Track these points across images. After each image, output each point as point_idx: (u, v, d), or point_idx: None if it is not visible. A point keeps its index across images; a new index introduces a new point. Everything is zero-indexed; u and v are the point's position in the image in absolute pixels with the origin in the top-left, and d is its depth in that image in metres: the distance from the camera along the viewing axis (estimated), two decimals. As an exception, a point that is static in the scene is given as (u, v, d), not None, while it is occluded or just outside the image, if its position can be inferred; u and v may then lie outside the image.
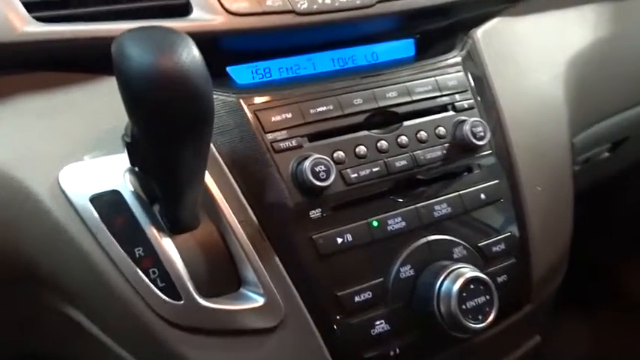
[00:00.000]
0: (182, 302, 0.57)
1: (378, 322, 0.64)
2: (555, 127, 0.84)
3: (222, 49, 0.68)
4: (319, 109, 0.66)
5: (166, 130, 0.50)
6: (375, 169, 0.66)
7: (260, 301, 0.60)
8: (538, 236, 0.75)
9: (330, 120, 0.67)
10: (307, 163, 0.62)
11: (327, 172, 0.62)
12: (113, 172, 0.59)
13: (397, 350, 0.64)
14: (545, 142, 0.81)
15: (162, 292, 0.57)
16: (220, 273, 0.61)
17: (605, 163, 1.14)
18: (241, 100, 0.64)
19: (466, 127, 0.70)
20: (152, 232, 0.58)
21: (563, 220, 0.81)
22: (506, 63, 0.81)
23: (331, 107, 0.67)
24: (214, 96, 0.60)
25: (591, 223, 1.30)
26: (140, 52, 0.46)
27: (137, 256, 0.57)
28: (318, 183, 0.62)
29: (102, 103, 0.61)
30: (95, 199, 0.58)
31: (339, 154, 0.65)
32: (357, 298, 0.63)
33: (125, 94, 0.48)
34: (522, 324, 0.74)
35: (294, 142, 0.64)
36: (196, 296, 0.58)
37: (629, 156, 1.15)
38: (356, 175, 0.65)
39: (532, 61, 0.85)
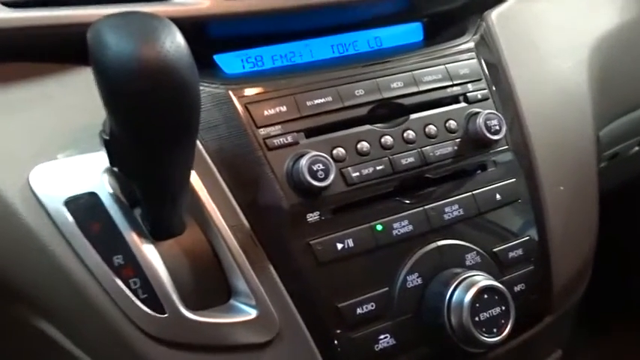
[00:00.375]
0: (166, 315, 0.58)
1: (382, 337, 0.65)
2: (579, 120, 0.84)
3: (208, 35, 0.69)
4: (317, 102, 0.67)
5: (148, 126, 0.50)
6: (378, 168, 0.67)
7: (252, 313, 0.61)
8: (559, 240, 0.76)
9: (329, 113, 0.67)
10: (304, 162, 0.63)
11: (326, 171, 0.63)
12: (90, 173, 0.60)
13: (403, 367, 0.65)
14: (568, 136, 0.82)
15: (144, 305, 0.58)
16: (208, 283, 0.62)
17: (635, 159, 1.14)
18: (230, 92, 0.65)
19: (480, 120, 0.71)
20: (133, 238, 0.59)
21: (588, 222, 0.82)
22: (525, 48, 0.82)
23: (330, 99, 0.68)
24: (201, 87, 0.61)
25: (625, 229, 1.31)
26: (119, 40, 0.47)
27: (116, 264, 0.58)
28: (316, 183, 0.63)
29: (77, 96, 0.61)
30: (70, 203, 0.58)
31: (339, 151, 0.66)
32: (359, 310, 0.64)
33: (102, 87, 0.49)
34: (542, 337, 0.75)
35: (289, 139, 0.65)
36: (182, 309, 0.59)
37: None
38: (358, 174, 0.66)
39: (553, 46, 0.85)
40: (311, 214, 0.64)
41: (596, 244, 0.82)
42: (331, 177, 0.63)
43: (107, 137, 0.54)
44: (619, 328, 1.43)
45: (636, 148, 1.13)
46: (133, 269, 0.58)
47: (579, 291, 0.81)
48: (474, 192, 0.71)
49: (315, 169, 0.63)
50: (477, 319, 0.64)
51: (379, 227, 0.66)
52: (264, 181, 0.64)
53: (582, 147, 0.84)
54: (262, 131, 0.65)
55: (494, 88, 0.76)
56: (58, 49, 0.62)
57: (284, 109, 0.66)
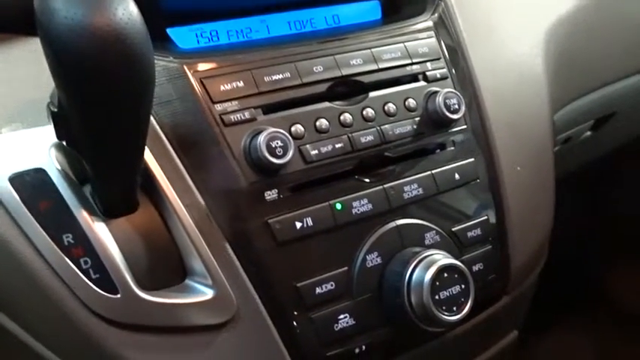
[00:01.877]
0: (119, 296, 0.56)
1: (341, 317, 0.64)
2: (535, 102, 0.85)
3: (161, 8, 0.67)
4: (275, 77, 0.66)
5: (99, 98, 0.49)
6: (337, 145, 0.66)
7: (208, 293, 0.60)
8: (517, 221, 0.77)
9: (286, 90, 0.66)
10: (262, 138, 0.61)
11: (285, 149, 0.62)
12: (36, 148, 0.58)
13: (363, 347, 0.65)
14: (525, 117, 0.83)
15: (95, 285, 0.56)
16: (163, 263, 0.60)
17: (588, 144, 1.17)
18: (185, 66, 0.63)
19: (439, 99, 0.71)
20: (83, 216, 0.57)
21: (544, 204, 0.83)
22: (483, 30, 0.82)
23: (288, 75, 0.66)
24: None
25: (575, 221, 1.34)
26: (68, 6, 0.45)
27: (66, 243, 0.56)
28: (274, 160, 0.61)
29: (23, 68, 0.59)
30: (15, 179, 0.56)
31: (298, 128, 0.65)
32: (318, 290, 0.63)
33: (51, 56, 0.47)
34: (499, 318, 0.76)
35: (246, 115, 0.64)
36: (135, 289, 0.57)
37: (614, 135, 1.18)
38: (316, 151, 0.65)
39: (510, 29, 0.86)
40: (269, 193, 0.63)
41: (552, 225, 0.83)
42: (290, 154, 0.62)
43: (55, 109, 0.53)
44: (575, 314, 1.46)
45: (588, 133, 1.15)
46: (83, 248, 0.56)
47: (535, 272, 0.82)
48: (433, 171, 0.71)
49: (273, 145, 0.62)
50: (436, 297, 0.64)
51: (338, 206, 0.65)
52: (220, 158, 0.62)
53: (539, 129, 0.84)
54: (218, 107, 0.63)
55: (452, 69, 0.76)
56: (3, 19, 0.60)
57: (241, 84, 0.64)
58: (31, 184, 0.57)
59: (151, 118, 0.59)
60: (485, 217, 0.74)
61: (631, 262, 1.50)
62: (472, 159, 0.74)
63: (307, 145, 0.65)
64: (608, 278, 1.50)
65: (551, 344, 1.40)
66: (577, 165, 1.20)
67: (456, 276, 0.65)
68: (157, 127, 0.62)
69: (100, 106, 0.49)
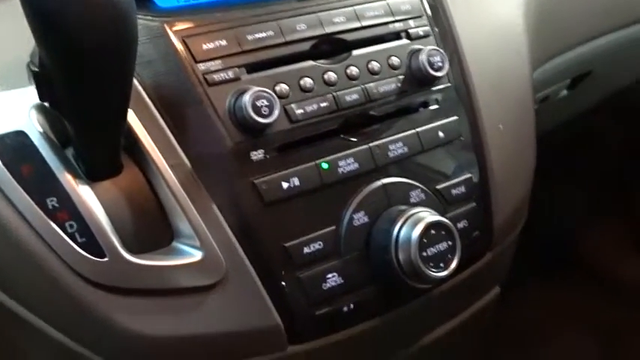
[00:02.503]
0: (106, 259, 0.55)
1: (330, 276, 0.64)
2: (516, 60, 0.85)
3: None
4: (258, 36, 0.64)
5: (82, 56, 0.47)
6: (323, 104, 0.65)
7: (197, 255, 0.59)
8: (499, 179, 0.77)
9: (270, 48, 0.65)
10: (247, 97, 0.60)
11: (270, 108, 0.60)
12: (16, 110, 0.56)
13: (351, 306, 0.65)
14: (506, 76, 0.82)
15: (82, 249, 0.55)
16: (149, 225, 0.59)
17: (565, 103, 1.17)
18: (166, 25, 0.62)
19: (422, 57, 0.70)
20: (67, 179, 0.55)
21: (525, 161, 0.83)
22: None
23: (271, 33, 0.65)
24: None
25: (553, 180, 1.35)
26: None
27: (50, 207, 0.55)
28: (260, 120, 0.60)
29: (1, 26, 0.57)
30: (-5, 143, 0.54)
31: (282, 87, 0.64)
32: (306, 249, 0.63)
33: (30, 13, 0.45)
34: (483, 273, 0.76)
35: (230, 74, 0.62)
36: (123, 252, 0.56)
37: (590, 94, 1.19)
38: (302, 110, 0.64)
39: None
40: (255, 153, 0.62)
41: (532, 183, 0.84)
42: (275, 113, 0.61)
43: (36, 69, 0.51)
44: (553, 273, 1.48)
45: (565, 92, 1.15)
46: (68, 212, 0.55)
47: (517, 229, 0.82)
48: (417, 129, 0.70)
49: (258, 104, 0.60)
50: (424, 254, 0.63)
51: (325, 165, 0.65)
52: (204, 118, 0.61)
53: (520, 87, 0.84)
54: (202, 66, 0.61)
55: (435, 27, 0.75)
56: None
57: (224, 43, 0.63)
58: (12, 148, 0.55)
59: (134, 79, 0.58)
60: (469, 175, 0.74)
61: (607, 223, 1.52)
62: (455, 117, 0.74)
63: (292, 104, 0.64)
64: (585, 238, 1.52)
65: (531, 302, 1.42)
66: (554, 124, 1.21)
67: (443, 233, 0.65)
68: (140, 88, 0.60)
69: (83, 64, 0.48)
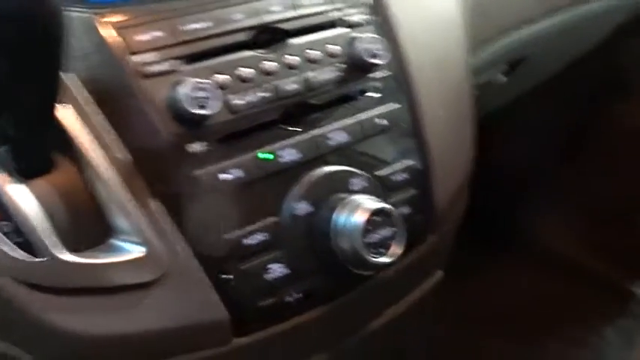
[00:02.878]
0: (41, 259, 0.53)
1: (273, 266, 0.63)
2: (453, 46, 0.85)
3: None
4: (194, 26, 0.62)
5: (6, 47, 0.45)
6: (262, 94, 0.64)
7: (136, 251, 0.57)
8: (439, 164, 0.77)
9: (207, 39, 0.63)
10: (184, 89, 0.58)
11: (209, 99, 0.59)
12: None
13: (296, 295, 0.64)
14: (444, 62, 0.82)
15: (20, 249, 0.53)
16: (87, 222, 0.57)
17: (503, 88, 1.18)
18: (99, 17, 0.59)
19: (361, 45, 0.69)
20: (-2, 178, 0.53)
21: (465, 147, 0.83)
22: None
23: (208, 24, 0.63)
24: (66, 13, 0.55)
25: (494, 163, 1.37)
26: None
27: (-18, 208, 0.52)
28: (198, 112, 0.59)
29: None
30: None
31: (221, 77, 0.62)
32: (248, 241, 0.61)
33: None
34: (426, 258, 0.76)
35: (166, 66, 0.60)
36: (59, 251, 0.54)
37: (526, 79, 1.20)
38: (241, 101, 0.63)
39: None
40: (194, 145, 0.60)
41: (472, 168, 0.84)
42: (215, 105, 0.59)
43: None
44: (497, 254, 1.51)
45: (501, 77, 1.16)
46: (1, 212, 0.53)
47: (458, 212, 0.83)
48: (358, 117, 0.70)
49: (196, 96, 0.59)
50: (367, 241, 0.63)
51: (266, 155, 0.63)
52: (142, 111, 0.59)
53: (457, 73, 0.84)
54: (137, 58, 0.59)
55: (373, 15, 0.74)
56: None
57: (159, 34, 0.61)
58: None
59: (69, 72, 0.56)
60: (410, 162, 0.73)
61: (549, 203, 1.55)
62: (396, 104, 0.73)
63: (231, 95, 0.62)
64: (528, 219, 1.55)
65: (475, 284, 1.44)
66: (495, 109, 1.22)
67: (385, 219, 0.65)
68: (76, 82, 0.58)
69: (6, 56, 0.46)
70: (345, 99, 0.70)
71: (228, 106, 0.62)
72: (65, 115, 0.56)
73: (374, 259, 0.63)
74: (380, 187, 0.70)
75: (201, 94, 0.59)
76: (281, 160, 0.64)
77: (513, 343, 1.32)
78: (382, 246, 0.64)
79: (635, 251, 1.36)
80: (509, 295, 1.45)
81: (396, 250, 0.65)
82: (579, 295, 1.37)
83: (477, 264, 1.47)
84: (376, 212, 0.64)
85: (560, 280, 1.45)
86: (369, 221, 0.63)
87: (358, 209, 0.64)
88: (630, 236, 1.37)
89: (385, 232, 0.64)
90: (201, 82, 0.59)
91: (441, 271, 0.84)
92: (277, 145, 0.64)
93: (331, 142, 0.68)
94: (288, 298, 0.64)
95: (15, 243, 0.53)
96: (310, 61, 0.67)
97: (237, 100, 0.62)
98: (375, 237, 0.64)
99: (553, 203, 1.54)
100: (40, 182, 0.55)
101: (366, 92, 0.72)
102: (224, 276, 0.61)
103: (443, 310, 1.29)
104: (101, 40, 0.59)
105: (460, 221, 0.84)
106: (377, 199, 0.66)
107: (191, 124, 0.60)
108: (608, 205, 1.43)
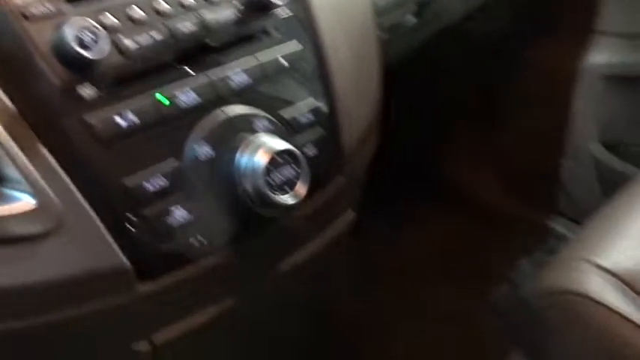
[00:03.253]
0: None
1: (175, 210, 0.61)
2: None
3: None
4: None
5: None
6: (156, 36, 0.61)
7: (27, 200, 0.54)
8: (345, 105, 0.76)
9: None
10: (70, 31, 0.55)
11: (96, 41, 0.56)
12: None
13: (201, 239, 0.62)
14: (347, 2, 0.81)
15: None
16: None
17: (413, 31, 1.18)
18: None
19: None
20: None
21: (371, 88, 0.83)
22: None
23: None
24: None
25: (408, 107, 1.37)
26: None
27: None
28: (86, 54, 0.55)
29: None
30: None
31: (109, 18, 0.59)
32: (148, 186, 0.59)
33: None
34: (335, 198, 0.76)
35: (50, 7, 0.57)
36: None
37: (434, 21, 1.20)
38: (133, 43, 0.60)
39: None
40: (85, 90, 0.57)
41: (379, 109, 0.84)
42: (102, 46, 0.56)
43: None
44: (428, 204, 1.52)
45: (411, 19, 1.15)
46: None
47: (367, 153, 0.83)
48: (258, 58, 0.68)
49: (83, 37, 0.55)
50: (271, 182, 0.62)
51: (162, 99, 0.61)
52: (27, 56, 0.56)
53: (361, 12, 0.83)
54: (17, 0, 0.56)
55: None
56: None
57: (40, -27, 0.57)
58: None
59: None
60: (315, 102, 0.72)
61: (462, 146, 1.57)
62: (298, 45, 0.71)
63: (122, 37, 0.59)
64: (443, 163, 1.57)
65: (403, 234, 1.45)
66: (405, 52, 1.21)
67: (290, 159, 0.63)
68: None
69: None
70: (245, 40, 0.68)
71: (119, 49, 0.59)
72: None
73: (278, 198, 0.62)
74: (284, 129, 0.68)
75: (87, 35, 0.55)
76: (179, 103, 0.62)
77: (451, 286, 1.35)
78: (286, 186, 0.63)
79: (550, 191, 1.40)
80: (438, 241, 1.47)
81: (301, 190, 0.64)
82: (502, 237, 1.40)
83: (405, 214, 1.49)
84: (279, 152, 0.63)
85: (484, 223, 1.48)
86: (271, 161, 0.62)
87: (260, 149, 0.62)
88: (545, 178, 1.40)
89: (289, 172, 0.63)
90: (87, 23, 0.56)
91: (352, 211, 0.84)
92: (174, 88, 0.62)
93: (231, 84, 0.65)
94: (193, 242, 0.62)
95: None
96: (206, 1, 0.65)
97: (129, 43, 0.59)
98: (279, 177, 0.63)
99: (473, 149, 1.56)
100: None
101: (266, 32, 0.69)
102: (124, 222, 0.59)
103: (375, 259, 1.31)
104: None
105: (369, 162, 0.83)
106: (281, 139, 0.65)
107: (79, 68, 0.57)
108: (524, 150, 1.46)
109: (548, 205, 1.35)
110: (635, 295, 0.77)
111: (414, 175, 1.54)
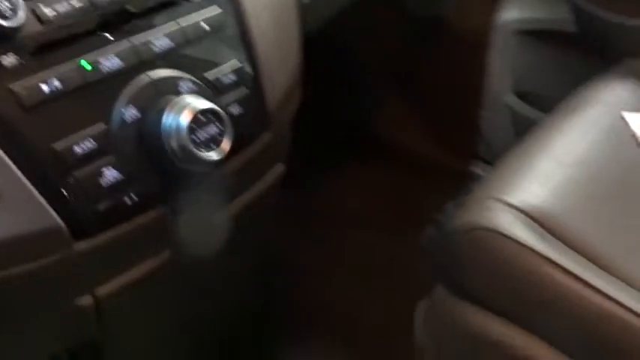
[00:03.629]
0: None
1: (107, 171, 0.61)
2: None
3: None
4: None
5: None
6: (75, 4, 0.60)
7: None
8: (267, 65, 0.76)
9: None
10: (-13, 1, 0.54)
11: (13, 9, 0.55)
12: None
13: (133, 197, 0.63)
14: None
15: None
16: None
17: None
18: None
19: None
20: None
21: (292, 48, 0.83)
22: None
23: None
24: None
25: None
26: None
27: None
28: (4, 23, 0.55)
29: None
30: None
31: None
32: (78, 149, 0.59)
33: None
34: (263, 153, 0.77)
35: None
36: None
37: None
38: (52, 11, 0.59)
39: None
40: (6, 58, 0.57)
41: (301, 68, 0.84)
42: (20, 15, 0.55)
43: None
44: (353, 154, 1.53)
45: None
46: None
47: (291, 110, 0.84)
48: (180, 23, 0.68)
49: (0, 7, 0.54)
50: (196, 139, 0.63)
51: (85, 64, 0.61)
52: None
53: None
54: None
55: None
56: None
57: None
58: None
59: None
60: (237, 63, 0.73)
61: (389, 103, 1.59)
62: (218, 9, 0.72)
63: (40, 5, 0.58)
64: (372, 119, 1.59)
65: (328, 184, 1.46)
66: (327, 17, 1.21)
67: (213, 118, 0.64)
68: None
69: None
70: (166, 5, 0.68)
71: (38, 17, 0.58)
72: None
73: (203, 154, 0.63)
74: (209, 90, 0.69)
75: (4, 4, 0.55)
76: (102, 69, 0.62)
77: (383, 234, 1.37)
78: (211, 142, 0.64)
79: (470, 139, 1.43)
80: (370, 191, 1.50)
81: (225, 146, 0.65)
82: (431, 184, 1.43)
83: (338, 167, 1.51)
84: (202, 111, 0.63)
85: (412, 173, 1.51)
86: (195, 120, 0.63)
87: (185, 109, 0.63)
88: (465, 127, 1.43)
89: (213, 130, 0.64)
90: (4, -7, 0.55)
91: (281, 164, 0.85)
92: (97, 55, 0.62)
93: (154, 49, 0.65)
94: (126, 201, 0.63)
95: None
96: None
97: (47, 11, 0.59)
98: (204, 135, 0.63)
99: (398, 105, 1.58)
100: None
101: (186, -2, 0.69)
102: (56, 185, 0.59)
103: (310, 210, 1.32)
104: None
105: (293, 117, 0.84)
106: (205, 99, 0.65)
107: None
108: (445, 103, 1.49)
109: (470, 151, 1.39)
110: (542, 230, 0.80)
111: (347, 130, 1.55)
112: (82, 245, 0.61)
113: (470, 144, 1.42)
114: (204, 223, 0.71)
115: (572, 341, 0.76)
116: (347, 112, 1.58)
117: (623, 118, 0.94)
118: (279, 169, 0.84)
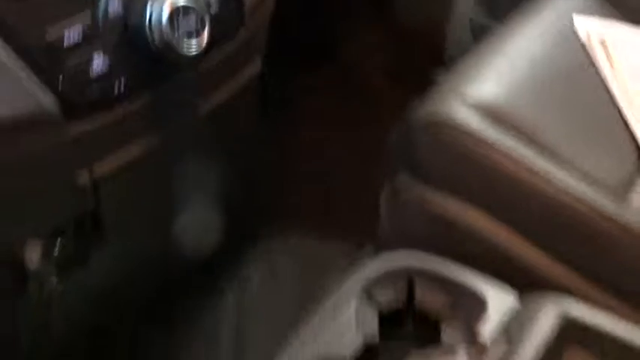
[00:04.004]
0: None
1: (96, 59, 0.64)
2: None
3: None
4: None
5: None
6: None
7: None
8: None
9: None
10: None
11: None
12: None
13: (121, 83, 0.66)
14: None
15: None
16: None
17: None
18: None
19: None
20: None
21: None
22: None
23: None
24: None
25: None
26: None
27: None
28: None
29: None
30: None
31: None
32: (68, 38, 0.62)
33: None
34: (241, 48, 0.79)
35: None
36: None
37: None
38: None
39: None
40: None
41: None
42: None
43: None
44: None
45: None
46: None
47: (267, 9, 0.85)
48: None
49: None
50: (176, 34, 0.65)
51: None
52: None
53: None
54: None
55: None
56: None
57: None
58: None
59: None
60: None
61: (356, 34, 1.56)
62: None
63: None
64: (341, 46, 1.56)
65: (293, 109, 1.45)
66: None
67: (192, 13, 0.67)
68: None
69: None
70: None
71: None
72: None
73: (184, 47, 0.65)
74: None
75: None
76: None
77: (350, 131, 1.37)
78: (192, 36, 0.66)
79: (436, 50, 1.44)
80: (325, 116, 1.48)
81: (204, 38, 0.67)
82: (397, 90, 1.42)
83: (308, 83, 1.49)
84: (184, 7, 0.66)
85: (363, 101, 1.49)
86: (176, 12, 0.65)
87: (166, 2, 0.65)
88: (431, 42, 1.44)
89: (192, 24, 0.67)
90: None
91: (258, 56, 0.87)
92: None
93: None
94: (115, 87, 0.66)
95: None
96: None
97: None
98: (184, 28, 0.66)
99: (365, 36, 1.56)
100: None
101: None
102: (49, 72, 0.61)
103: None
104: None
105: (270, 16, 0.86)
106: None
107: None
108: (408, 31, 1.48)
109: (436, 60, 1.40)
110: (495, 120, 0.84)
111: (318, 53, 1.53)
112: (74, 127, 0.65)
113: (436, 54, 1.43)
114: (189, 111, 0.74)
115: (529, 223, 0.81)
116: (321, 36, 1.55)
117: (572, 21, 0.97)
118: (257, 62, 0.87)
